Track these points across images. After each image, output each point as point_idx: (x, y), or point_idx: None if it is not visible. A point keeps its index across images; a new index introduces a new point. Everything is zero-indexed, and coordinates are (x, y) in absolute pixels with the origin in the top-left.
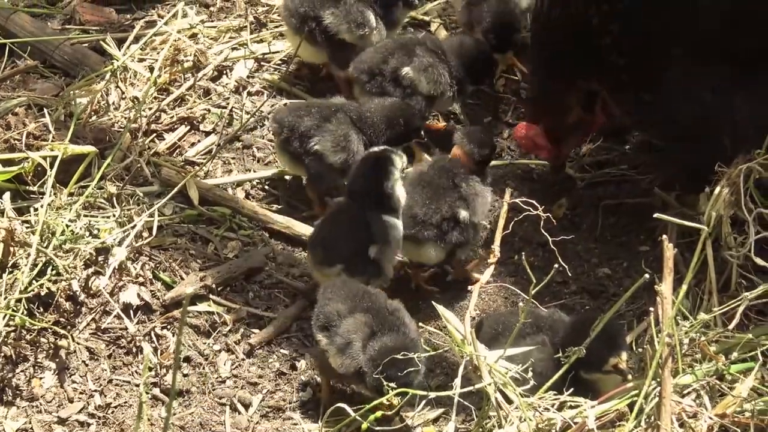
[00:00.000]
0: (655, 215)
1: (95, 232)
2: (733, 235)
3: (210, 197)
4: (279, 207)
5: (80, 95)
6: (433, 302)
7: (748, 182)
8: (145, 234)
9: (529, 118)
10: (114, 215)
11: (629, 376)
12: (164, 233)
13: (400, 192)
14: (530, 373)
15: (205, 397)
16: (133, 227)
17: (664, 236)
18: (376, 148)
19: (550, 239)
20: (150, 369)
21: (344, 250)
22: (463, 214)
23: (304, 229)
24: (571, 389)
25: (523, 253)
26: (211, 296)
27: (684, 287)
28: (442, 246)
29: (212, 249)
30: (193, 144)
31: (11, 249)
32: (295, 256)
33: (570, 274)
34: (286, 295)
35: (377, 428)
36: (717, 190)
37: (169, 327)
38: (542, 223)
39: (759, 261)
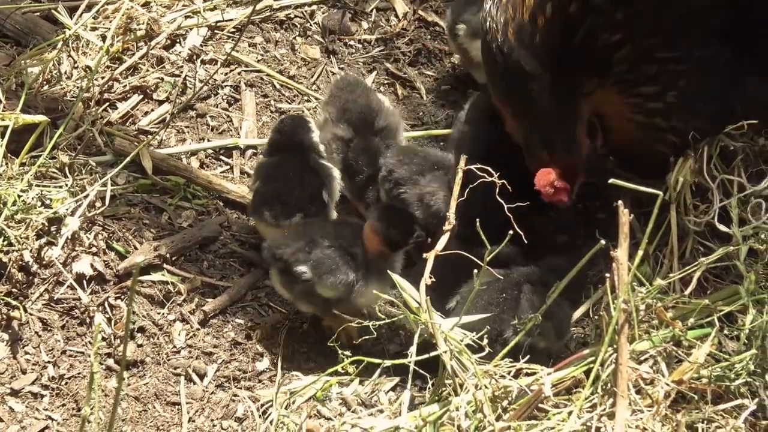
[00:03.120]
0: (611, 181)
1: (47, 202)
2: (694, 202)
3: (164, 166)
4: (233, 176)
5: (32, 64)
6: (388, 271)
7: (713, 149)
8: (98, 204)
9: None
10: (66, 185)
11: None
12: (117, 203)
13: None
14: (485, 341)
15: (160, 367)
16: (85, 197)
17: (619, 201)
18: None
19: (505, 206)
20: (103, 339)
21: (302, 199)
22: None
23: None
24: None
25: (477, 220)
26: (165, 266)
27: (640, 253)
28: None
29: (166, 218)
30: (146, 113)
31: None
32: (250, 225)
33: (526, 242)
34: (240, 264)
35: (332, 395)
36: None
37: (122, 297)
38: (497, 190)
39: (722, 228)
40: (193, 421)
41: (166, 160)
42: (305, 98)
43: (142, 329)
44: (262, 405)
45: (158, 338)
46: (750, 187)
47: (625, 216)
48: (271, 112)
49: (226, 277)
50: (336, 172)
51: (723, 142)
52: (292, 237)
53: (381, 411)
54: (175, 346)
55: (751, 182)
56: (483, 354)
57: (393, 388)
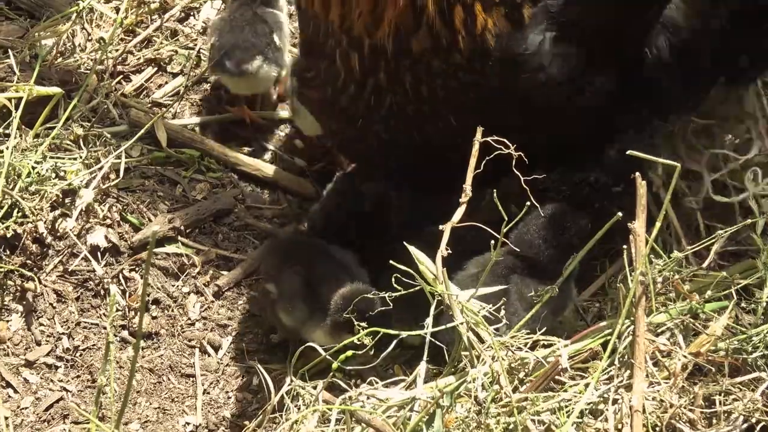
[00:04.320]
0: (629, 152)
1: (61, 173)
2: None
3: (178, 139)
4: (249, 149)
5: (45, 37)
6: (404, 242)
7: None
8: (112, 176)
9: None
10: (81, 157)
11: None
12: (132, 175)
13: None
14: (502, 312)
15: (174, 339)
16: (100, 169)
17: (637, 174)
18: None
19: (521, 178)
20: (118, 311)
21: (259, 45)
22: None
23: (274, 171)
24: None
25: (494, 191)
26: (179, 238)
27: (658, 224)
28: None
29: (180, 191)
30: (160, 86)
31: None
32: (265, 198)
33: (542, 213)
34: (255, 237)
35: (348, 368)
36: None
37: (137, 269)
38: (514, 162)
39: (720, 198)
40: (208, 393)
41: (181, 132)
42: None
43: (156, 301)
44: (277, 377)
45: (173, 310)
46: (739, 157)
47: (642, 188)
48: None
49: (241, 249)
50: (284, 18)
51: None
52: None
53: (395, 384)
54: (189, 319)
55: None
56: (499, 326)
57: (407, 361)
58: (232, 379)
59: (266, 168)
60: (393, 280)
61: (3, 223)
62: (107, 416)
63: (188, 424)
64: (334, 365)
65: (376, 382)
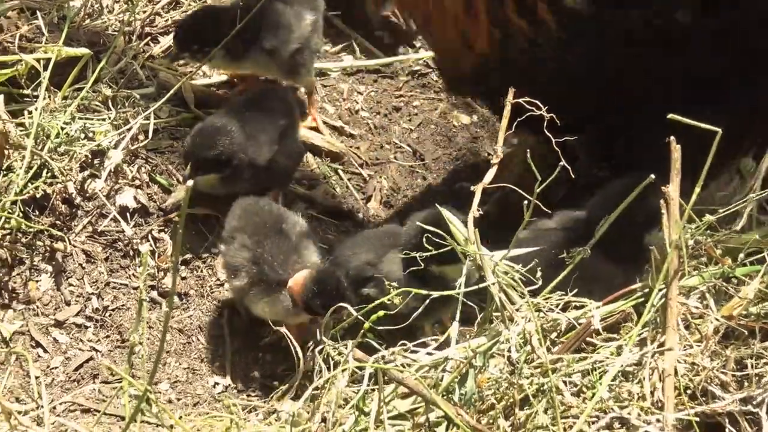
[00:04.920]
0: (669, 116)
1: (90, 134)
2: None
3: (206, 100)
4: None
5: None
6: (436, 204)
7: None
8: (141, 137)
9: None
10: (109, 118)
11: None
12: (160, 136)
13: None
14: (539, 274)
15: (204, 300)
16: (128, 130)
17: (671, 137)
18: None
19: (553, 139)
20: (147, 272)
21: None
22: None
23: (302, 132)
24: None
25: (528, 151)
26: (207, 199)
27: (697, 190)
28: None
29: None
30: None
31: (6, 152)
32: None
33: (573, 176)
34: (283, 199)
35: (380, 328)
36: None
37: (166, 230)
38: (545, 123)
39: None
40: (237, 353)
41: (208, 93)
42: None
43: (185, 262)
44: (307, 337)
45: (202, 271)
46: None
47: (677, 152)
48: None
49: None
50: None
51: None
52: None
53: (425, 344)
54: (218, 279)
55: None
56: (532, 287)
57: (438, 322)
58: (261, 340)
59: None
60: (424, 240)
61: (32, 184)
62: (137, 375)
63: (217, 384)
64: (366, 325)
65: (408, 343)
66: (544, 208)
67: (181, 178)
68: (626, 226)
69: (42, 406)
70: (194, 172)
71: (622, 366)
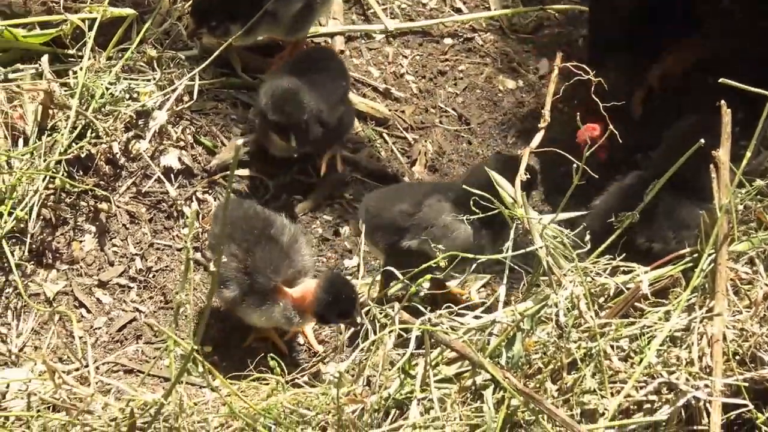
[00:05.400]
0: (721, 80)
1: (135, 95)
2: None
3: (252, 64)
4: None
5: None
6: (484, 166)
7: None
8: (186, 98)
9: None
10: (154, 79)
11: None
12: (205, 97)
13: None
14: (587, 237)
15: None
16: (173, 91)
17: (722, 101)
18: None
19: (601, 105)
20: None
21: None
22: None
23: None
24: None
25: (578, 114)
26: (252, 162)
27: (748, 154)
28: None
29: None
30: None
31: (50, 111)
32: None
33: (621, 141)
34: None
35: (426, 291)
36: None
37: (210, 191)
38: (593, 88)
39: None
40: None
41: (254, 58)
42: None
43: None
44: None
45: None
46: None
47: (727, 116)
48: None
49: (314, 174)
50: None
51: None
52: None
53: (470, 309)
54: None
55: None
56: (580, 251)
57: (483, 286)
58: None
59: None
60: (471, 203)
61: (77, 144)
62: (180, 336)
63: (259, 348)
64: (412, 289)
65: (454, 306)
66: (592, 173)
67: (225, 140)
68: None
69: (87, 365)
70: (284, 135)
71: (670, 331)
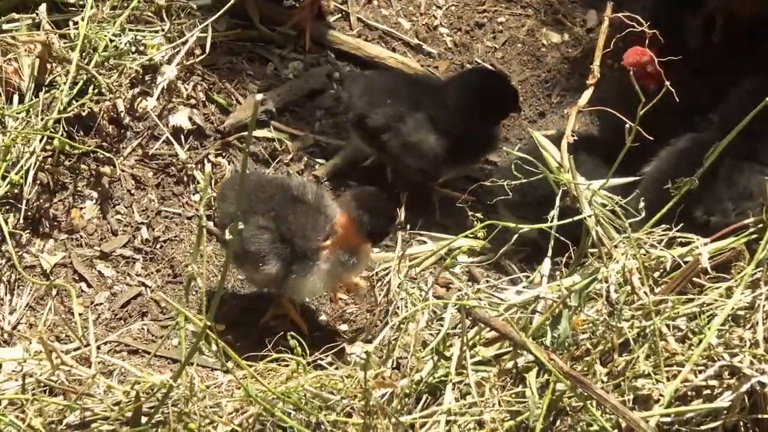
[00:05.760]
0: None
1: (141, 48)
2: None
3: (270, 15)
4: (349, 23)
5: None
6: (528, 128)
7: None
8: (197, 51)
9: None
10: (163, 30)
11: None
12: (218, 51)
13: None
14: (641, 204)
15: None
16: (183, 44)
17: None
18: None
19: (655, 60)
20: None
21: None
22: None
23: (376, 51)
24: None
25: (632, 71)
26: (271, 122)
27: None
28: None
29: (272, 69)
30: None
31: (48, 65)
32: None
33: (677, 99)
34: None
35: (464, 261)
36: None
37: (224, 154)
38: (648, 41)
39: None
40: None
41: (273, 8)
42: None
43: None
44: (381, 272)
45: None
46: None
47: None
48: None
49: (339, 135)
50: None
51: None
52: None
53: (513, 282)
54: None
55: None
56: (633, 221)
57: (525, 259)
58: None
59: (367, 47)
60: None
61: (77, 101)
62: (191, 313)
63: (277, 326)
64: (447, 261)
65: (493, 280)
66: (645, 134)
67: (240, 98)
68: None
69: (87, 344)
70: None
71: (732, 309)
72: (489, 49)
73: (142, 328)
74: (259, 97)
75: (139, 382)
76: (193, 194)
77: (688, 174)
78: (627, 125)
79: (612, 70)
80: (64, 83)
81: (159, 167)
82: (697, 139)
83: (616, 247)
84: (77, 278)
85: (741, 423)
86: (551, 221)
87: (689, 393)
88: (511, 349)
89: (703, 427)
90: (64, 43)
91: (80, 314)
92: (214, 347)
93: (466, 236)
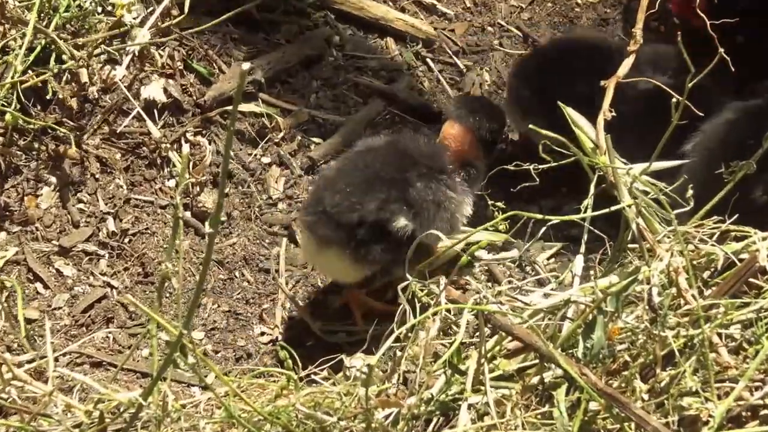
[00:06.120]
0: None
1: (109, 8)
2: None
3: None
4: None
5: None
6: (558, 102)
7: None
8: (175, 12)
9: None
10: None
11: None
12: (199, 12)
13: None
14: (690, 192)
15: (251, 224)
16: (158, 2)
17: None
18: None
19: (707, 21)
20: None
21: None
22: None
23: (382, 12)
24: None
25: (679, 33)
26: (259, 94)
27: None
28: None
29: (261, 35)
30: None
31: (1, 27)
32: (369, 44)
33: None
34: (357, 94)
35: (485, 259)
36: None
37: (204, 132)
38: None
39: None
40: (294, 292)
41: None
42: None
43: (229, 174)
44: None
45: (249, 186)
46: None
47: None
48: None
49: (339, 110)
50: None
51: None
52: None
53: (540, 284)
54: (270, 198)
55: None
56: (680, 211)
57: (554, 255)
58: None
59: (372, 7)
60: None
61: (34, 70)
62: (165, 319)
63: (265, 334)
64: (464, 259)
65: (516, 281)
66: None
67: (224, 66)
68: None
69: (44, 355)
70: None
71: None
72: (514, 9)
73: (108, 337)
74: (246, 65)
75: (104, 400)
76: (168, 179)
77: (737, 152)
78: (673, 99)
79: (656, 34)
80: (19, 48)
81: (128, 147)
82: (745, 109)
83: (659, 242)
84: (32, 277)
85: None
86: (585, 211)
87: (744, 414)
88: (536, 362)
89: None
90: (19, 1)
91: (33, 321)
92: (190, 359)
93: (486, 229)
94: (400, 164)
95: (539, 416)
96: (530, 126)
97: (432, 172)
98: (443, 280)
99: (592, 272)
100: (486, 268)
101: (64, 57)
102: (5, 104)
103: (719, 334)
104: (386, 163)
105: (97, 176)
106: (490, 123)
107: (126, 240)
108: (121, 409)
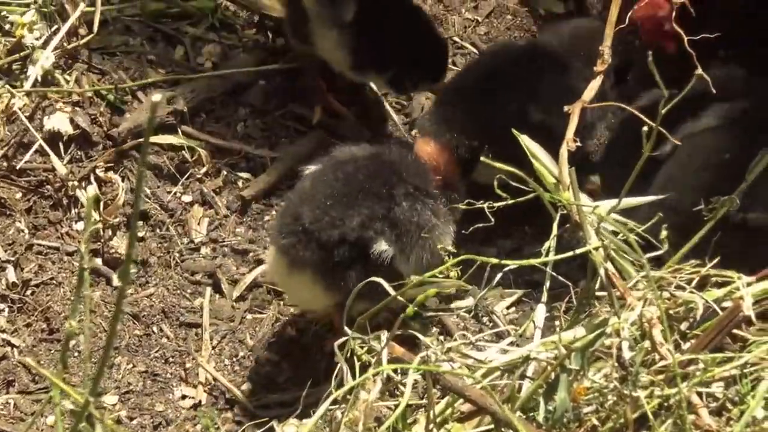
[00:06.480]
0: None
1: (8, 27)
2: None
3: None
4: None
5: None
6: (515, 131)
7: None
8: (82, 31)
9: None
10: (36, 2)
11: None
12: (111, 30)
13: None
14: (664, 233)
15: (170, 272)
16: (64, 20)
17: None
18: None
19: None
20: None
21: None
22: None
23: None
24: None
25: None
26: (180, 126)
27: None
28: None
29: (181, 54)
30: None
31: None
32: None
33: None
34: (295, 122)
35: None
36: None
37: (116, 168)
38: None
39: None
40: (218, 350)
41: None
42: None
43: (145, 216)
44: (320, 330)
45: (167, 229)
46: None
47: None
48: None
49: (271, 142)
50: None
51: None
52: None
53: (498, 336)
54: (192, 241)
55: None
56: (655, 254)
57: (515, 304)
58: (256, 330)
59: None
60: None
61: None
62: (72, 382)
63: (187, 397)
64: (409, 309)
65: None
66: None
67: (140, 94)
68: None
69: None
70: None
71: None
72: (469, 23)
73: (8, 403)
74: (157, 97)
75: None
76: (76, 222)
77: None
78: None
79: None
80: None
81: (30, 186)
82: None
83: (631, 289)
84: None
85: None
86: (547, 255)
87: None
88: (492, 427)
89: None
90: None
91: None
92: (99, 430)
93: (434, 276)
94: (385, 179)
95: None
96: (482, 159)
97: (419, 193)
98: (385, 335)
99: (556, 323)
100: (437, 319)
101: None
102: None
103: (699, 394)
104: (370, 175)
105: None
106: (470, 140)
107: (28, 292)
108: None
